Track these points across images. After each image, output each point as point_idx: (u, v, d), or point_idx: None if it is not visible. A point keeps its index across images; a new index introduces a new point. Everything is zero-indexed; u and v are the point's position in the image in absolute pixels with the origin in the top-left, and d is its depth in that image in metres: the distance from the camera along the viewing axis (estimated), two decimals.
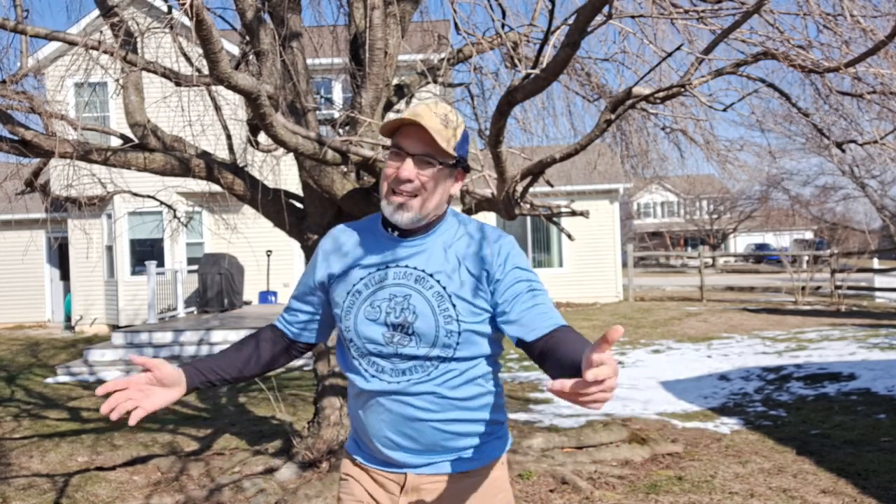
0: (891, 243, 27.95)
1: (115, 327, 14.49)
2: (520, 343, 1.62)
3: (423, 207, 1.64)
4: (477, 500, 1.70)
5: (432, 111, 1.63)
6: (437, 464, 1.69)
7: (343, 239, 1.77)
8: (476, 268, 1.65)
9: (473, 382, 1.68)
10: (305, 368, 9.73)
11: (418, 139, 1.62)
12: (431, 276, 1.65)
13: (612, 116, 3.12)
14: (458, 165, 1.70)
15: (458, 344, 1.62)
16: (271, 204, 4.88)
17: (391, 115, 1.81)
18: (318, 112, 5.02)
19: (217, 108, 5.39)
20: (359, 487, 1.77)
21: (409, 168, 1.61)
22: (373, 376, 1.67)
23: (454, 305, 1.62)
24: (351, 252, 1.74)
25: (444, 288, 1.63)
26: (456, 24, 4.26)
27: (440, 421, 1.65)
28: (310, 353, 6.94)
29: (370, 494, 1.75)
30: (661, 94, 3.20)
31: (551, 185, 4.45)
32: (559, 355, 1.48)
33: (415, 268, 1.66)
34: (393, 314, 1.64)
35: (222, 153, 5.46)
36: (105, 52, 3.74)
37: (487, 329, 1.66)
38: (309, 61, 4.92)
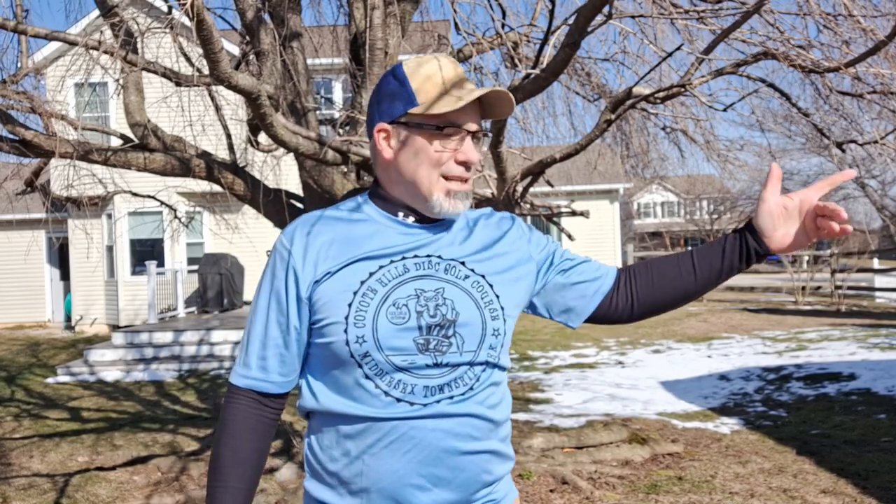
0: (891, 243, 27.95)
1: (115, 327, 14.49)
2: (609, 291, 1.47)
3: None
4: None
5: (463, 72, 1.37)
6: None
7: (327, 227, 1.36)
8: (510, 252, 1.41)
9: (505, 401, 1.39)
10: None
11: (473, 112, 1.35)
12: (463, 263, 1.34)
13: (613, 116, 3.12)
14: None
15: (501, 346, 1.34)
16: (272, 204, 4.89)
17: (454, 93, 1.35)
18: (318, 112, 5.03)
19: (217, 109, 5.39)
20: None
21: (472, 149, 1.34)
22: (398, 400, 1.27)
23: (498, 297, 1.34)
24: (345, 243, 1.34)
25: (482, 276, 1.34)
26: (456, 24, 4.27)
27: (481, 453, 1.31)
28: None
29: None
30: (661, 94, 3.20)
31: (551, 185, 4.45)
32: (674, 265, 1.45)
33: (439, 256, 1.34)
34: (427, 313, 1.28)
35: (223, 153, 5.47)
36: (105, 52, 3.74)
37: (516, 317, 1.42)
38: (309, 61, 4.92)
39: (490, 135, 1.42)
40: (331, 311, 1.29)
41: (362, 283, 1.29)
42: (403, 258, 1.32)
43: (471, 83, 1.35)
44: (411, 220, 1.37)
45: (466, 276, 1.33)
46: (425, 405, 1.26)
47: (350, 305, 1.28)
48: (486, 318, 1.32)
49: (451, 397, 1.28)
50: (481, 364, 1.31)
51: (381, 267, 1.31)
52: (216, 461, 1.33)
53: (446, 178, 1.33)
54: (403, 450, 1.27)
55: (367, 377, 1.28)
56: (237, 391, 1.36)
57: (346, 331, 1.27)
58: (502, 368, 1.37)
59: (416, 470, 1.27)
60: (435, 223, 1.38)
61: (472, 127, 1.33)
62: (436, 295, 1.30)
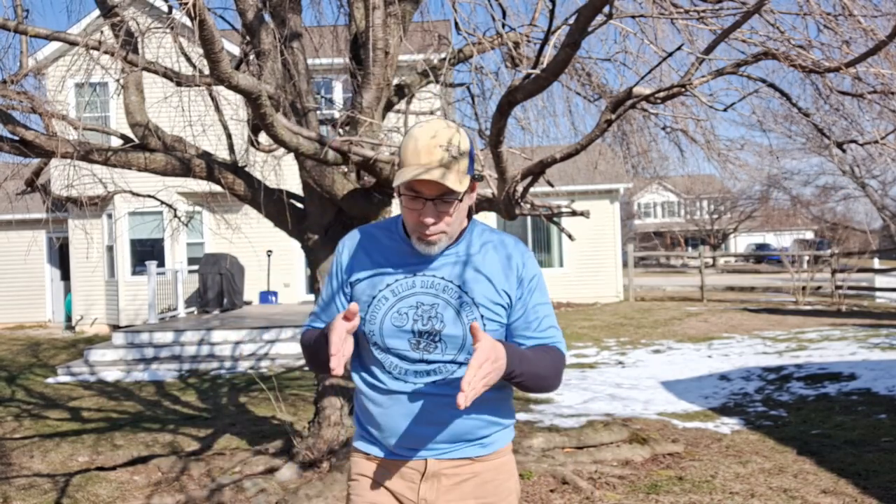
0: (891, 243, 27.94)
1: (115, 327, 14.49)
2: None
3: (450, 236, 1.70)
4: (493, 483, 1.80)
5: (437, 145, 1.61)
6: (459, 449, 1.76)
7: (366, 242, 1.80)
8: (501, 282, 1.73)
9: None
10: (306, 368, 9.73)
11: (434, 183, 1.61)
12: (459, 287, 1.70)
13: (613, 116, 3.12)
14: (472, 182, 1.70)
15: None
16: (272, 204, 4.89)
17: (400, 158, 1.73)
18: (318, 112, 5.02)
19: (218, 109, 5.39)
20: (371, 485, 1.80)
21: (430, 213, 1.64)
22: (396, 378, 1.73)
23: (482, 316, 1.69)
24: (376, 257, 1.77)
25: (472, 299, 1.70)
26: (457, 24, 4.27)
27: (465, 419, 1.73)
28: None
29: (386, 488, 1.78)
30: (661, 94, 3.20)
31: (552, 185, 4.45)
32: None
33: (442, 278, 1.71)
34: (420, 322, 1.70)
35: (223, 153, 5.47)
36: (106, 52, 3.74)
37: (503, 334, 1.76)
38: (309, 61, 4.92)
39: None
40: (361, 306, 1.74)
41: (380, 291, 1.74)
42: (415, 275, 1.73)
43: (439, 153, 1.60)
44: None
45: (459, 297, 1.71)
46: (415, 384, 1.72)
47: (369, 306, 1.74)
48: (467, 334, 1.69)
49: (434, 382, 1.72)
50: (461, 362, 1.71)
51: (396, 280, 1.73)
52: (310, 339, 1.82)
53: (415, 232, 1.69)
54: (401, 410, 1.73)
55: (375, 358, 1.76)
56: (306, 330, 1.89)
57: (363, 324, 1.74)
58: None
59: (414, 423, 1.72)
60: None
61: (427, 193, 1.63)
62: (431, 308, 1.71)
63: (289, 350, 10.31)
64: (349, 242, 1.83)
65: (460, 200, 1.67)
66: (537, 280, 1.78)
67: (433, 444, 1.74)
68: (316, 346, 1.76)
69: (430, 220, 1.64)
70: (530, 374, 1.69)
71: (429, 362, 1.70)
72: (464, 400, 1.46)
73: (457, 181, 1.61)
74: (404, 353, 1.71)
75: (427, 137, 1.62)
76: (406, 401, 1.72)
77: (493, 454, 1.81)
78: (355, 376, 1.83)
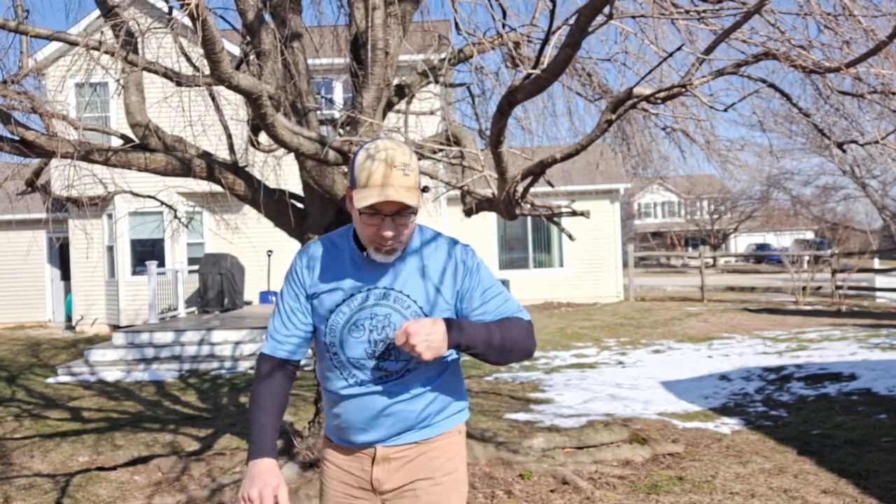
0: (892, 243, 27.95)
1: (115, 327, 14.49)
2: None
3: (404, 244, 1.83)
4: (438, 461, 1.95)
5: (394, 167, 1.72)
6: (403, 435, 1.93)
7: (321, 258, 1.91)
8: (446, 285, 1.87)
9: (442, 374, 1.94)
10: (307, 369, 9.74)
11: (394, 201, 1.73)
12: (408, 296, 1.85)
13: (613, 116, 3.12)
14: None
15: None
16: (272, 204, 4.89)
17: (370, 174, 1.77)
18: (318, 112, 5.03)
19: (218, 109, 5.40)
20: (335, 468, 2.01)
21: (389, 227, 1.75)
22: (352, 384, 1.90)
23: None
24: (330, 273, 1.88)
25: (420, 308, 1.85)
26: (457, 24, 4.28)
27: (412, 410, 1.90)
28: (310, 353, 6.96)
29: (346, 470, 1.99)
30: (662, 95, 3.20)
31: (552, 186, 4.45)
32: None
33: (391, 288, 1.85)
34: (376, 332, 1.85)
35: (223, 153, 5.47)
36: (106, 52, 3.74)
37: None
38: (310, 61, 4.92)
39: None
40: (317, 318, 1.91)
41: (337, 305, 1.87)
42: (368, 290, 1.86)
43: (396, 174, 1.71)
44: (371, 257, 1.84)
45: (409, 307, 1.85)
46: (370, 386, 1.89)
47: (327, 320, 1.88)
48: None
49: (387, 382, 1.88)
50: (410, 369, 1.88)
51: (351, 295, 1.86)
52: (252, 396, 1.93)
53: (372, 243, 1.79)
54: (355, 409, 1.91)
55: (334, 367, 1.92)
56: (262, 356, 1.95)
57: (323, 336, 1.91)
58: (436, 360, 1.88)
59: (364, 420, 1.91)
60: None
61: (386, 210, 1.74)
62: (384, 318, 1.85)
63: None
64: (305, 258, 1.93)
65: (415, 213, 1.79)
66: (478, 269, 1.90)
67: (381, 434, 1.91)
68: (253, 412, 1.90)
69: (390, 234, 1.76)
70: (484, 342, 1.80)
71: (383, 369, 1.87)
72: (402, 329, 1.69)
73: (413, 197, 1.73)
74: (362, 361, 1.86)
75: (380, 160, 1.73)
76: (360, 401, 1.89)
77: (438, 436, 1.95)
78: (319, 377, 2.02)
